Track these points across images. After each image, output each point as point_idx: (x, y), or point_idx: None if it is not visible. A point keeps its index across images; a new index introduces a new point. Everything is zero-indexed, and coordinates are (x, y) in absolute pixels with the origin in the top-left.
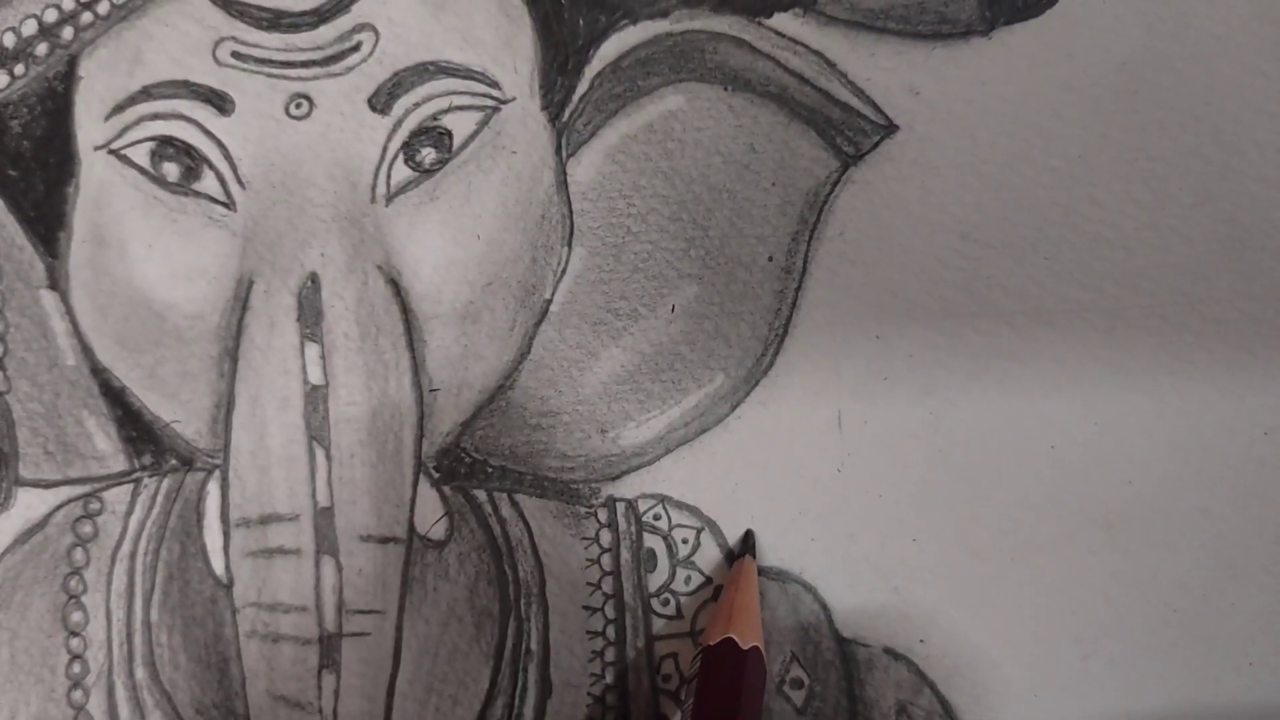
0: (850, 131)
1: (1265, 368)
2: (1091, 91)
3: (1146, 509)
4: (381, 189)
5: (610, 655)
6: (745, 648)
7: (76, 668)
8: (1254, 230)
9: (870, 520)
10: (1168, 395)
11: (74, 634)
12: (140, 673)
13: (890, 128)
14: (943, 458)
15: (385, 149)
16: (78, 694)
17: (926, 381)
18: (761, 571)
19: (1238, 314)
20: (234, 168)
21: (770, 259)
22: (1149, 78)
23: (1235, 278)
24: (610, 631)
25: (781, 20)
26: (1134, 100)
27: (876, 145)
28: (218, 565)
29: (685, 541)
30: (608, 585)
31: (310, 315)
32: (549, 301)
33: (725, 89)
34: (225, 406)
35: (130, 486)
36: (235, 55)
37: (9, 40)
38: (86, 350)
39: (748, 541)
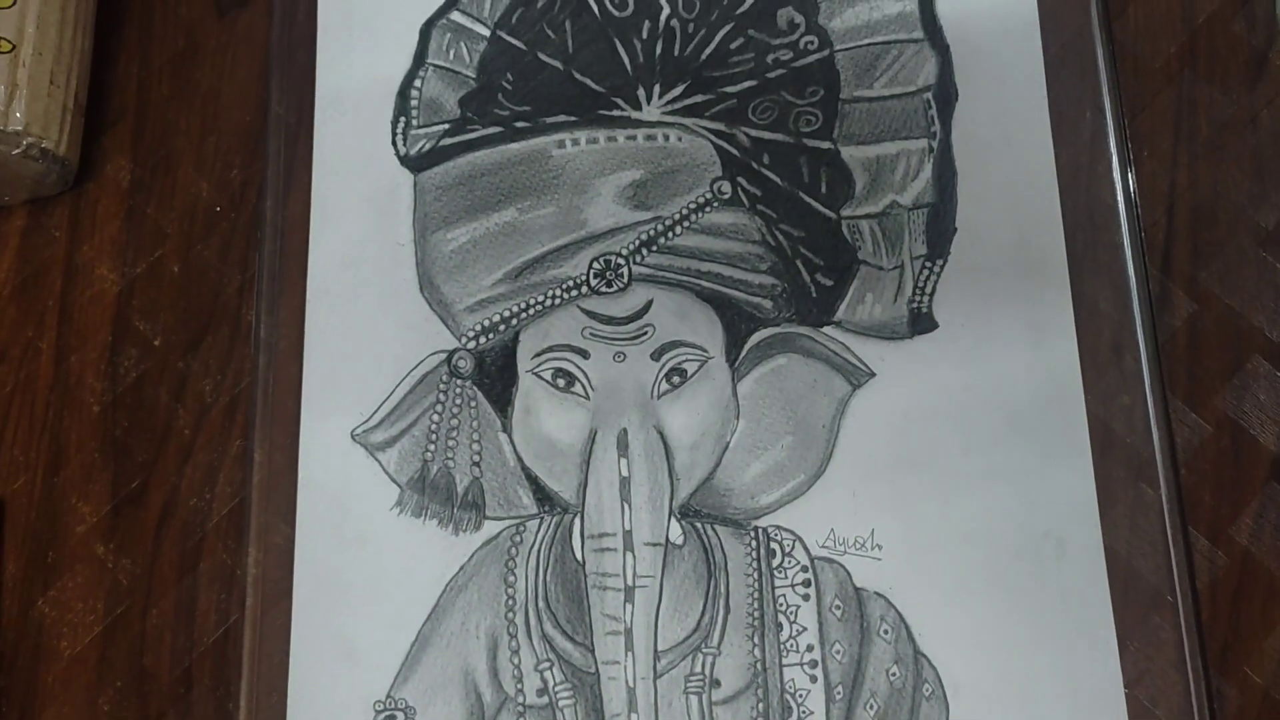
0: (855, 374)
1: None
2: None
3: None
4: (655, 393)
5: (756, 602)
6: None
7: (510, 602)
8: None
9: (853, 518)
10: None
11: (509, 587)
12: (540, 603)
13: (871, 373)
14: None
15: (657, 375)
16: (509, 614)
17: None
18: (818, 559)
19: None
20: (588, 382)
21: (823, 426)
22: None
23: None
24: (756, 589)
25: (827, 329)
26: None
27: (865, 381)
28: (579, 556)
29: (787, 547)
30: (753, 569)
31: (622, 446)
32: (729, 442)
33: (803, 356)
34: (583, 485)
35: (538, 520)
36: (590, 333)
37: (479, 329)
38: (519, 458)
39: None
